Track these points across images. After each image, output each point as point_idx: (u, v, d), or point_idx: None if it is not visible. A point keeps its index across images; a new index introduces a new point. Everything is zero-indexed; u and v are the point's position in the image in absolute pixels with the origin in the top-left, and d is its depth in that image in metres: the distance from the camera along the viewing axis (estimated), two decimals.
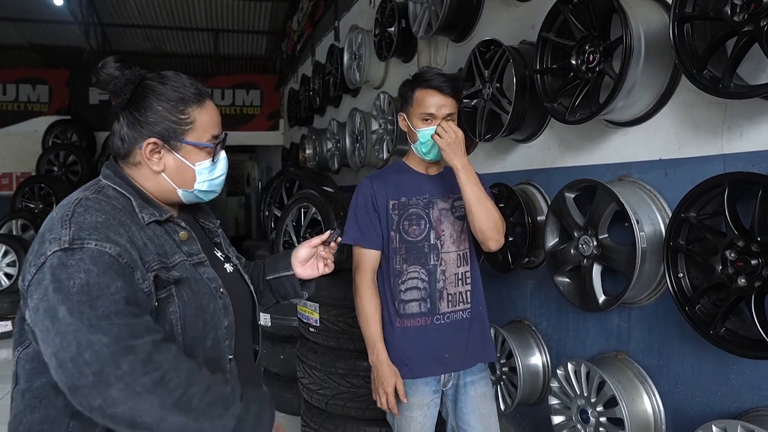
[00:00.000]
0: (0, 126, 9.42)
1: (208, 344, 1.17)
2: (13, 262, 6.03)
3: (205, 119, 1.24)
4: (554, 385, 2.46)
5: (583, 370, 2.29)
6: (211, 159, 1.26)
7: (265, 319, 3.62)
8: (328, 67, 6.17)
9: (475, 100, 2.97)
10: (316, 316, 2.36)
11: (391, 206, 2.01)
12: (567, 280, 2.41)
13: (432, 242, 1.99)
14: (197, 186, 1.25)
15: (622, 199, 2.03)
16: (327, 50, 6.21)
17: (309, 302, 2.38)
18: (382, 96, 4.44)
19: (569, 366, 2.37)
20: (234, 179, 15.19)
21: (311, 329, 2.41)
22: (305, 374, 2.45)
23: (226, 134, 1.30)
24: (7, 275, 6.08)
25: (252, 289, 1.41)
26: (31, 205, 7.44)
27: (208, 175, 1.26)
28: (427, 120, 1.92)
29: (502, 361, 2.88)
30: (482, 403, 2.02)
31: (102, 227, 1.04)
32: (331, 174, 6.38)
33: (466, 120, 3.07)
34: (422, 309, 1.96)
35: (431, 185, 2.05)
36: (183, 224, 1.24)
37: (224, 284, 1.25)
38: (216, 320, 1.19)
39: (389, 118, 4.35)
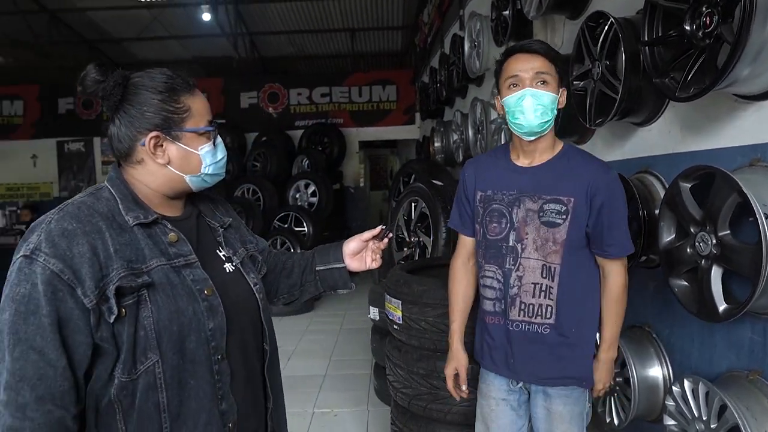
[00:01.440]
0: None
1: (189, 346, 1.17)
2: None
3: (198, 106, 1.26)
4: (669, 403, 2.14)
5: (701, 389, 1.96)
6: (212, 143, 1.28)
7: (373, 312, 3.62)
8: (452, 57, 6.04)
9: (584, 82, 2.68)
10: (399, 313, 2.29)
11: (478, 197, 1.90)
12: (684, 282, 2.07)
13: (511, 244, 1.82)
14: (204, 170, 1.26)
15: (744, 189, 1.69)
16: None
17: (393, 299, 2.32)
18: None
19: (686, 383, 2.05)
20: (377, 173, 15.54)
21: (395, 326, 2.35)
22: (391, 372, 2.40)
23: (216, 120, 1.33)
24: None
25: (255, 288, 1.38)
26: None
27: (211, 158, 1.28)
28: (514, 86, 1.73)
29: (615, 371, 2.58)
30: (554, 421, 1.83)
31: (67, 236, 1.07)
32: (459, 166, 6.27)
33: (576, 104, 2.80)
34: (496, 309, 1.87)
35: (523, 180, 1.83)
36: (170, 226, 1.23)
37: (219, 284, 1.24)
38: (198, 322, 1.18)
39: None
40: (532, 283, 1.79)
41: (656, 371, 2.47)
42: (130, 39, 10.78)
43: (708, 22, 1.83)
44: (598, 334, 1.88)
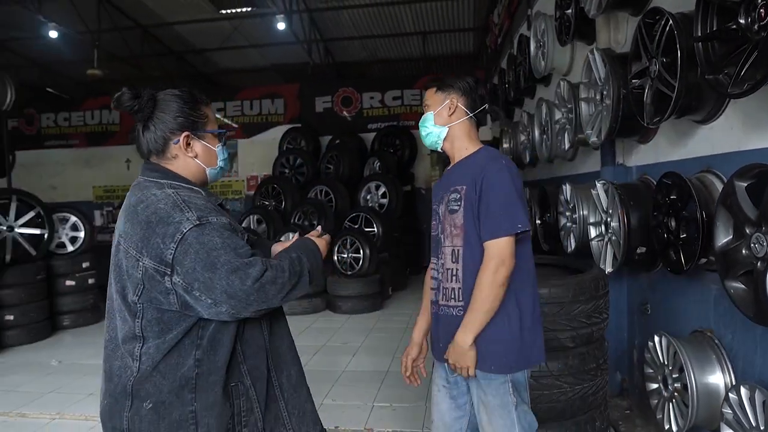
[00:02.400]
0: (248, 136, 11.07)
1: None
2: None
3: (211, 114, 1.59)
4: (727, 411, 2.07)
5: (758, 398, 1.89)
6: (221, 143, 1.62)
7: None
8: (519, 57, 5.99)
9: (641, 80, 2.63)
10: None
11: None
12: (740, 285, 2.00)
13: (438, 236, 1.98)
14: (219, 164, 1.61)
15: None
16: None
17: None
18: (562, 83, 4.17)
19: (743, 391, 1.98)
20: None
21: None
22: None
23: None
24: None
25: None
26: (266, 203, 8.61)
27: (222, 155, 1.62)
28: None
29: (674, 376, 2.51)
30: (481, 411, 1.86)
31: (206, 208, 1.44)
32: (527, 167, 6.20)
33: (634, 102, 2.75)
34: (434, 297, 1.98)
35: (444, 180, 2.03)
36: (227, 207, 1.61)
37: None
38: None
39: (569, 106, 4.07)
40: (447, 268, 1.91)
41: (717, 378, 2.38)
42: (212, 49, 11.38)
43: (763, 14, 1.77)
44: (521, 317, 1.82)
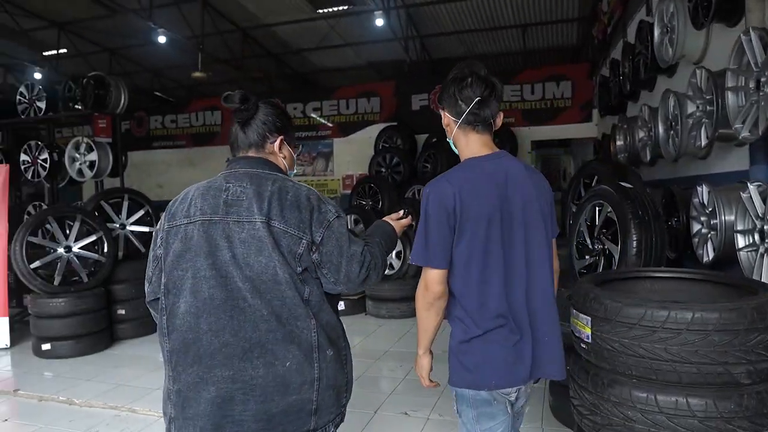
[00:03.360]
0: (344, 135, 11.10)
1: None
2: None
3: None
4: None
5: None
6: (298, 152, 1.91)
7: None
8: (638, 46, 5.47)
9: None
10: (588, 331, 2.03)
11: None
12: None
13: None
14: (294, 168, 1.88)
15: None
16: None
17: (581, 314, 2.06)
18: (698, 72, 3.70)
19: None
20: (549, 174, 14.88)
21: (583, 345, 2.09)
22: (576, 394, 2.15)
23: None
24: None
25: None
26: (363, 202, 8.53)
27: (295, 161, 1.93)
28: None
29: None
30: None
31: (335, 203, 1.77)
32: (644, 166, 5.67)
33: None
34: None
35: None
36: None
37: None
38: None
39: (708, 97, 3.59)
40: None
41: None
42: (309, 49, 11.50)
43: None
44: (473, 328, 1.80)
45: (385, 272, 7.06)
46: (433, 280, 1.76)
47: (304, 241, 1.59)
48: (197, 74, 9.86)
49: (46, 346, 5.34)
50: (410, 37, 10.40)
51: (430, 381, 1.94)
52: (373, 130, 10.80)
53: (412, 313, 6.85)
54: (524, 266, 1.79)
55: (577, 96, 10.12)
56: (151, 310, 1.74)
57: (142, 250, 6.33)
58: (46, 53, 11.54)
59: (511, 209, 1.78)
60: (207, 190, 1.65)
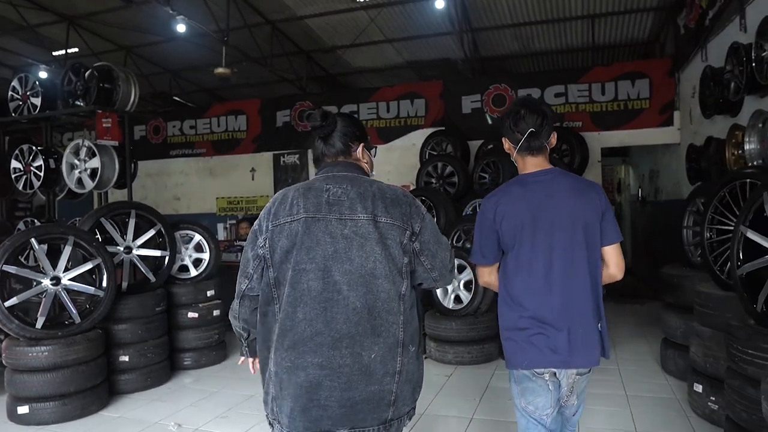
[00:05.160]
0: (384, 141, 9.80)
1: None
2: None
3: None
4: None
5: None
6: (374, 156, 2.07)
7: None
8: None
9: None
10: None
11: None
12: None
13: None
14: (374, 171, 2.02)
15: None
16: None
17: None
18: None
19: None
20: (602, 186, 13.45)
21: None
22: None
23: None
24: None
25: None
26: None
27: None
28: None
29: None
30: None
31: None
32: None
33: None
34: None
35: None
36: None
37: None
38: None
39: None
40: None
41: None
42: (344, 46, 10.29)
43: None
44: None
45: (450, 306, 5.78)
46: (482, 272, 2.36)
47: (407, 231, 1.74)
48: (220, 70, 8.66)
49: (23, 409, 4.06)
50: (463, 30, 9.12)
51: None
52: (418, 136, 9.48)
53: (486, 358, 5.54)
54: (561, 267, 2.12)
55: (655, 96, 8.70)
56: (233, 318, 1.91)
57: (152, 279, 5.06)
58: (56, 53, 10.47)
59: (552, 218, 2.14)
60: (308, 190, 1.77)
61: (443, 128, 9.26)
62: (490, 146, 8.61)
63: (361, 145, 1.90)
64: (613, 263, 2.19)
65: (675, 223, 8.84)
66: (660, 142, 8.93)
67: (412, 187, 9.10)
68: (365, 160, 1.92)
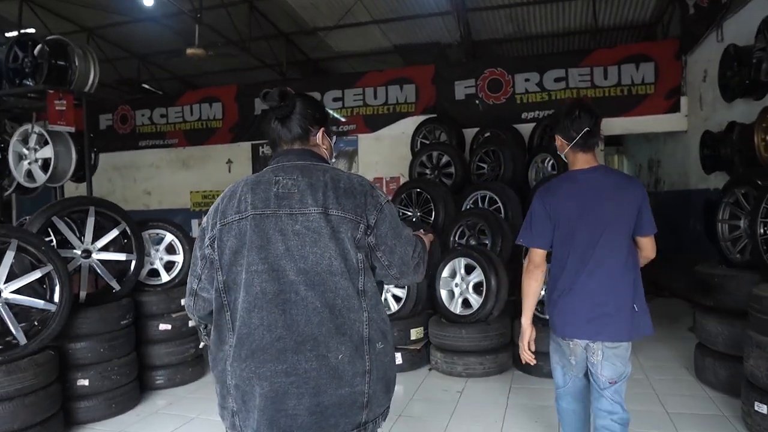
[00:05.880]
0: (371, 130, 9.15)
1: None
2: None
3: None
4: None
5: None
6: (333, 141, 1.93)
7: None
8: None
9: None
10: None
11: None
12: None
13: None
14: (333, 158, 1.92)
15: None
16: None
17: None
18: None
19: None
20: None
21: None
22: None
23: None
24: None
25: None
26: (408, 213, 6.56)
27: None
28: None
29: None
30: None
31: None
32: None
33: None
34: None
35: None
36: None
37: None
38: None
39: None
40: None
41: None
42: (326, 28, 9.58)
43: None
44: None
45: (458, 312, 5.18)
46: (535, 254, 2.57)
47: (361, 225, 1.61)
48: (193, 50, 7.87)
49: None
50: (456, 11, 8.47)
51: (530, 353, 2.59)
52: (408, 124, 8.82)
53: (500, 369, 4.92)
54: (602, 253, 2.42)
55: (661, 81, 8.18)
56: (189, 313, 1.81)
57: (116, 287, 4.33)
58: (8, 34, 9.51)
59: (595, 210, 2.43)
60: (256, 184, 1.65)
61: (435, 115, 8.62)
62: (487, 134, 7.99)
63: (321, 129, 1.80)
64: (648, 249, 2.56)
65: (680, 214, 8.40)
66: (666, 130, 8.43)
67: (402, 179, 8.49)
68: (324, 146, 1.82)
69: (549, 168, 6.99)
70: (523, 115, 8.51)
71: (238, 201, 1.63)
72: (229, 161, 10.28)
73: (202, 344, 2.00)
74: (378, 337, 1.64)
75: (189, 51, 7.97)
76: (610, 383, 2.47)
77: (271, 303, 1.55)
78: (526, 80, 8.57)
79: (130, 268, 4.46)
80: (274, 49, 10.15)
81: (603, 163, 2.70)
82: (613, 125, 8.43)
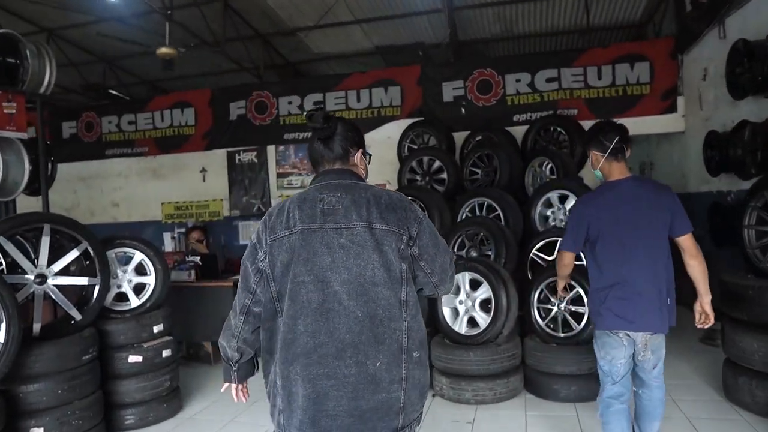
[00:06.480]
0: None
1: None
2: None
3: None
4: None
5: None
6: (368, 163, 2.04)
7: None
8: None
9: None
10: None
11: None
12: None
13: None
14: (367, 178, 1.97)
15: None
16: None
17: None
18: None
19: None
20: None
21: None
22: None
23: None
24: None
25: None
26: None
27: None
28: None
29: None
30: None
31: None
32: None
33: None
34: None
35: None
36: None
37: None
38: None
39: None
40: None
41: None
42: (306, 28, 9.08)
43: None
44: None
45: (463, 332, 4.72)
46: (568, 257, 3.12)
47: (404, 236, 1.73)
48: (164, 50, 7.29)
49: None
50: (446, 8, 8.05)
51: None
52: (394, 128, 8.36)
53: (511, 394, 4.45)
54: (639, 255, 2.76)
55: (657, 81, 7.88)
56: (229, 339, 1.88)
57: (77, 317, 3.76)
58: None
59: (632, 216, 2.76)
60: (303, 201, 1.77)
61: (423, 119, 8.17)
62: (479, 137, 7.57)
63: (360, 150, 1.93)
64: (691, 248, 2.81)
65: None
66: (663, 131, 8.13)
67: (389, 186, 8.01)
68: (362, 167, 1.94)
69: (547, 172, 6.59)
70: (515, 117, 8.12)
71: (286, 217, 1.75)
72: (203, 170, 9.68)
73: (223, 388, 1.97)
74: (415, 346, 1.74)
75: (160, 51, 7.38)
76: (653, 368, 2.91)
77: (315, 312, 1.67)
78: (517, 81, 8.18)
79: (93, 293, 3.88)
80: (251, 51, 9.59)
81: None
82: None
